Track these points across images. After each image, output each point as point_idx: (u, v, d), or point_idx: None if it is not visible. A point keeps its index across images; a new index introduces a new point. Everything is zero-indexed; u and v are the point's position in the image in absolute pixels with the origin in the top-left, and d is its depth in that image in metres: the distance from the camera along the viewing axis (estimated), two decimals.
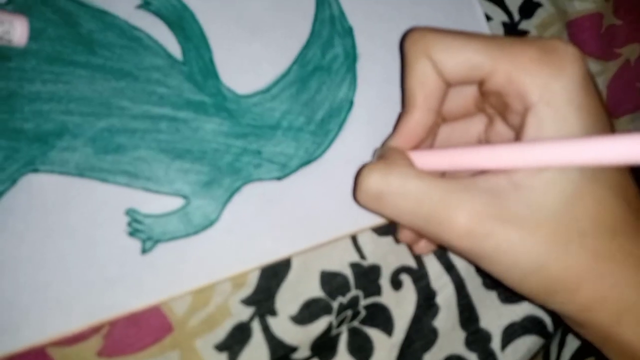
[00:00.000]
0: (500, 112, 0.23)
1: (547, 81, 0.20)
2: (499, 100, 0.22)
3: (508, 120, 0.22)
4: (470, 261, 0.22)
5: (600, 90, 0.22)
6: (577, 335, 0.24)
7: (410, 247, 0.28)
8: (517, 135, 0.21)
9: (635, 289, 0.20)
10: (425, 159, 0.23)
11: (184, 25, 0.24)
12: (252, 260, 0.24)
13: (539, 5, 0.33)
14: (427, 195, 0.21)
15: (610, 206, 0.20)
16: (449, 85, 0.23)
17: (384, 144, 0.25)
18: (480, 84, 0.22)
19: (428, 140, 0.25)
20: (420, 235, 0.26)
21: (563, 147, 0.19)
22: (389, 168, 0.22)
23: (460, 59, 0.21)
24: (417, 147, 0.24)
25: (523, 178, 0.20)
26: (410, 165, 0.22)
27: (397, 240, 0.28)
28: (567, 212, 0.19)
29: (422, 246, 0.27)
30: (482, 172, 0.21)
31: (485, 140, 0.25)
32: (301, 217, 0.25)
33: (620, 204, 0.20)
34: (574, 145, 0.19)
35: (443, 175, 0.25)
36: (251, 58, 0.25)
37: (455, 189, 0.20)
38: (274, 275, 0.26)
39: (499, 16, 0.32)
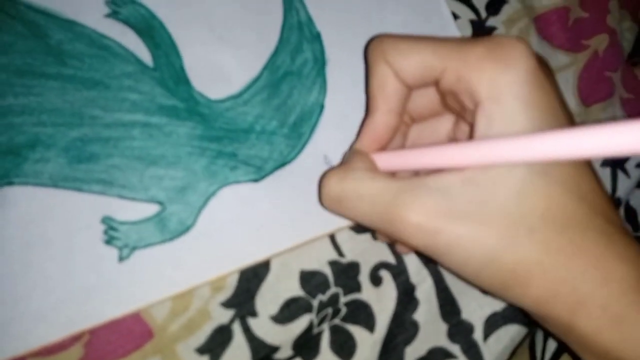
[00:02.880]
0: (459, 112, 0.24)
1: (494, 77, 0.20)
2: (455, 99, 0.23)
3: (466, 119, 0.23)
4: (431, 258, 0.23)
5: (558, 85, 0.23)
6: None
7: (390, 247, 0.29)
8: (470, 133, 0.22)
9: (587, 282, 0.20)
10: (386, 161, 0.24)
11: (153, 33, 0.25)
12: (231, 264, 0.25)
13: (504, 1, 0.34)
14: (379, 197, 0.22)
15: (560, 201, 0.20)
16: (409, 87, 0.24)
17: (350, 147, 0.26)
18: (436, 85, 0.23)
19: (398, 140, 0.26)
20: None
21: (505, 145, 0.19)
22: (345, 173, 0.23)
23: (413, 61, 0.22)
24: (384, 148, 0.25)
25: (472, 175, 0.20)
26: (368, 168, 0.23)
27: (376, 239, 0.29)
28: (514, 208, 0.20)
29: (401, 245, 0.28)
30: (438, 170, 0.22)
31: (453, 138, 0.26)
32: (278, 219, 0.26)
33: (571, 198, 0.20)
34: (515, 143, 0.19)
35: (416, 175, 0.26)
36: (221, 64, 0.26)
37: (406, 189, 0.21)
38: (253, 276, 0.26)
39: (466, 14, 0.33)
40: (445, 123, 0.26)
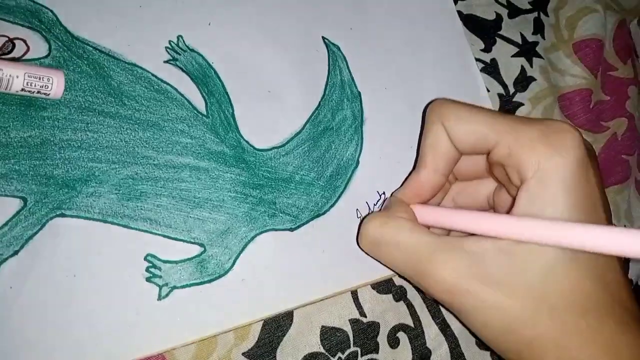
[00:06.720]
0: (504, 182, 0.26)
1: (542, 160, 0.23)
2: (502, 171, 0.25)
3: (509, 191, 0.26)
4: (453, 314, 0.26)
5: (600, 174, 0.25)
6: None
7: (410, 308, 0.32)
8: (511, 205, 0.24)
9: None
10: (425, 214, 0.27)
11: (208, 81, 0.28)
12: (261, 311, 0.27)
13: (532, 79, 0.39)
14: (416, 249, 0.24)
15: (584, 286, 0.22)
16: (460, 152, 0.26)
17: (392, 194, 0.29)
18: (487, 154, 0.26)
19: (438, 195, 0.29)
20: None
21: (542, 227, 0.22)
22: (387, 219, 0.26)
23: (469, 129, 0.25)
24: (425, 202, 0.28)
25: (506, 246, 0.23)
26: (408, 219, 0.26)
27: None
28: (540, 285, 0.22)
29: None
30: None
31: (493, 202, 0.29)
32: (309, 269, 0.28)
33: (595, 285, 0.23)
34: (551, 227, 0.21)
35: (448, 233, 0.29)
36: (268, 116, 0.29)
37: (443, 247, 0.24)
38: (276, 328, 0.28)
39: (496, 88, 0.37)
40: (487, 187, 0.29)
